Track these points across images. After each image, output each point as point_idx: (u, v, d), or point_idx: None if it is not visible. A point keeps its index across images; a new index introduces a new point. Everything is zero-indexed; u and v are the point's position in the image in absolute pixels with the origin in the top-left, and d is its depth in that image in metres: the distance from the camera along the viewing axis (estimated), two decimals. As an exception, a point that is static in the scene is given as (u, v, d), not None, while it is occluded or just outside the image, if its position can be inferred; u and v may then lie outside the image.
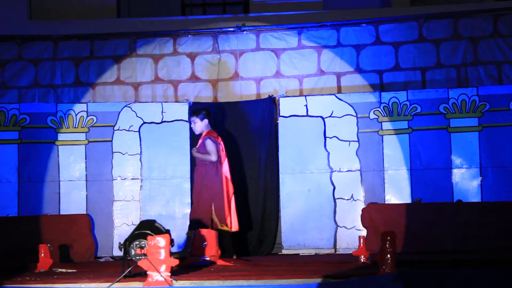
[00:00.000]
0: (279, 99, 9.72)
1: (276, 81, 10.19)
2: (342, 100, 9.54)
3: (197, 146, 8.61)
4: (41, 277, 6.67)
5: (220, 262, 7.78)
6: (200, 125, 8.64)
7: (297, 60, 10.20)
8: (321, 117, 9.53)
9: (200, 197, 8.50)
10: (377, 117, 9.44)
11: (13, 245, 8.46)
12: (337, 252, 9.25)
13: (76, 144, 9.42)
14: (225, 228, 8.46)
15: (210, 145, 8.48)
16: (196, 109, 8.84)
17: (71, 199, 9.28)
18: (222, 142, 8.67)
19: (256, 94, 10.20)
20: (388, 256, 6.14)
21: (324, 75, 10.14)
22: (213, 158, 8.45)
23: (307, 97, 9.68)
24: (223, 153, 8.60)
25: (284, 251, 9.34)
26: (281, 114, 9.61)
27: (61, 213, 9.18)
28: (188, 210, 9.38)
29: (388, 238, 6.18)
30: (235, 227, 8.61)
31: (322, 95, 9.77)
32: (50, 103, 9.64)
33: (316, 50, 10.18)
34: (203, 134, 8.62)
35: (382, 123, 9.43)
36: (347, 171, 9.42)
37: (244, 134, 9.76)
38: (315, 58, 10.18)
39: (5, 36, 10.17)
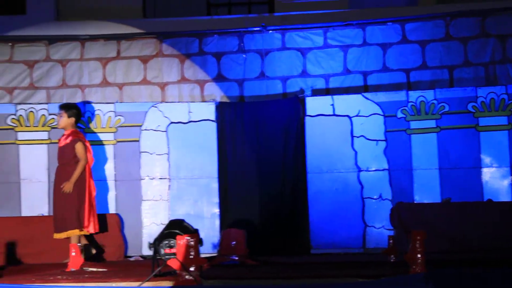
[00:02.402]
0: (305, 99, 9.70)
1: (302, 80, 10.18)
2: (369, 99, 9.51)
3: (59, 145, 8.35)
4: (73, 276, 6.72)
5: (248, 261, 7.79)
6: (65, 121, 8.33)
7: (323, 59, 10.17)
8: (348, 116, 9.50)
9: (66, 200, 8.19)
10: (404, 116, 9.39)
11: (48, 244, 8.52)
12: (366, 252, 9.22)
13: (105, 144, 9.48)
14: (84, 232, 8.24)
15: (80, 149, 8.25)
16: (66, 104, 8.56)
17: (101, 198, 9.33)
18: (88, 143, 8.47)
19: (282, 93, 10.19)
20: (418, 255, 6.12)
21: (351, 74, 10.12)
22: (83, 162, 8.26)
23: (333, 96, 9.65)
24: (89, 154, 8.40)
25: (312, 251, 9.32)
26: (307, 114, 9.59)
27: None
28: (217, 210, 9.43)
29: (418, 237, 6.15)
30: (94, 229, 8.35)
31: (348, 94, 9.74)
32: (78, 103, 9.68)
33: (342, 49, 10.16)
34: (68, 132, 8.34)
35: (410, 122, 9.39)
36: (375, 170, 9.38)
37: (271, 134, 9.73)
38: (341, 57, 10.16)
39: (33, 36, 10.25)
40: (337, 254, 9.15)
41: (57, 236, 8.22)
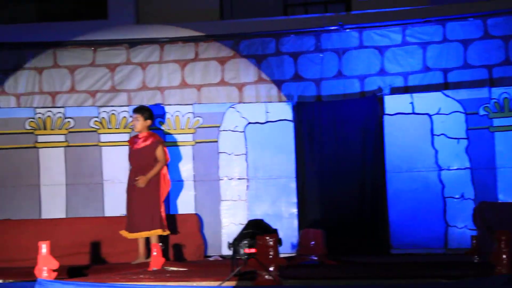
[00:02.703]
0: (383, 97, 9.58)
1: (380, 78, 10.05)
2: (449, 96, 9.31)
3: (135, 147, 8.51)
4: (155, 275, 6.83)
5: (328, 261, 7.76)
6: (142, 124, 8.49)
7: (402, 57, 10.03)
8: (428, 114, 9.34)
9: (148, 201, 8.36)
10: (487, 113, 9.16)
11: (130, 244, 8.68)
12: (448, 252, 9.04)
13: (184, 145, 9.60)
14: (166, 232, 8.43)
15: (161, 151, 8.45)
16: (141, 107, 8.69)
17: (180, 199, 9.46)
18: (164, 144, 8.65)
19: (360, 92, 10.10)
20: (503, 256, 5.95)
21: (430, 71, 9.94)
22: (162, 164, 8.45)
23: (412, 94, 9.50)
24: (166, 156, 8.55)
25: (392, 251, 9.20)
26: (386, 112, 9.46)
27: (171, 212, 9.34)
28: (295, 210, 9.42)
29: (503, 238, 5.99)
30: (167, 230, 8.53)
31: (428, 92, 9.56)
32: (157, 105, 9.85)
33: (421, 46, 9.99)
34: (145, 134, 8.51)
35: (493, 119, 9.14)
36: (457, 169, 9.17)
37: (349, 133, 9.68)
38: (420, 54, 9.99)
39: (114, 40, 10.48)
40: (418, 254, 8.99)
41: (133, 236, 8.39)
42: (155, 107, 9.73)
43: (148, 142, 8.49)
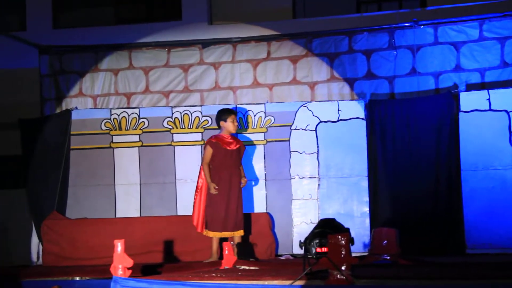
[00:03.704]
0: (459, 94, 9.38)
1: (455, 75, 9.86)
2: (528, 92, 9.07)
3: (231, 147, 8.62)
4: (226, 273, 6.87)
5: (401, 261, 7.63)
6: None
7: (478, 52, 9.81)
8: (506, 111, 9.10)
9: (241, 201, 8.57)
10: None
11: (202, 243, 8.76)
12: (526, 253, 8.81)
13: (255, 144, 9.64)
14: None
15: None
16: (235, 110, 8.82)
17: (252, 197, 9.49)
18: None
19: (434, 89, 9.93)
20: None
21: (508, 67, 9.69)
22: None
23: (489, 90, 9.27)
24: None
25: (467, 251, 9.00)
26: (461, 109, 9.26)
27: (243, 211, 9.40)
28: (367, 209, 9.33)
29: None
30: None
31: (506, 88, 9.32)
32: (230, 105, 9.91)
33: (499, 41, 9.75)
34: (230, 136, 8.65)
35: None
36: (536, 167, 8.95)
37: (422, 131, 9.51)
38: (498, 49, 9.75)
39: (188, 41, 10.61)
40: (494, 254, 8.78)
41: (234, 234, 8.53)
42: (228, 107, 9.80)
43: (240, 144, 8.70)
